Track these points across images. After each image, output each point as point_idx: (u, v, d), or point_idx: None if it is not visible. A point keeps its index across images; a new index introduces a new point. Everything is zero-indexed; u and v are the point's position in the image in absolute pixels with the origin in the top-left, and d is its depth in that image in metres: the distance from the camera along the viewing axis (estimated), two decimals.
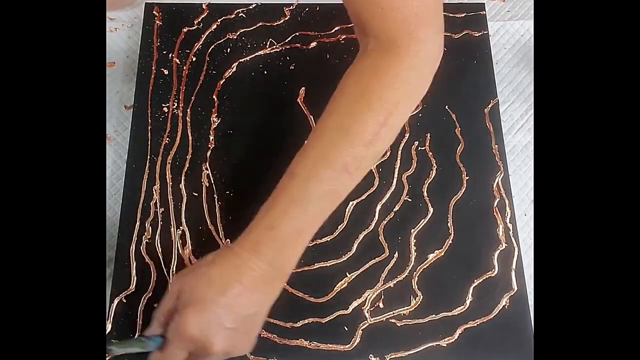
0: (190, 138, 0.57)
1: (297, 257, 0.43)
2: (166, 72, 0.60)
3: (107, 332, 0.49)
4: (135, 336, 0.49)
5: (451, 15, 0.63)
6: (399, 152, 0.56)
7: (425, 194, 0.55)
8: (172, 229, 0.53)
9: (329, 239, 0.53)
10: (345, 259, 0.52)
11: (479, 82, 0.59)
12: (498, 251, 0.53)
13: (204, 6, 0.63)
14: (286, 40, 0.61)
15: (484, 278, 0.52)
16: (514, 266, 0.52)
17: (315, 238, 0.53)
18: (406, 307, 0.51)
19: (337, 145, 0.42)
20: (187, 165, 0.56)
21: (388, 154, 0.56)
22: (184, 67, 0.60)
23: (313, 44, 0.61)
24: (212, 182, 0.55)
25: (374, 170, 0.55)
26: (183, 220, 0.53)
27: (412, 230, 0.53)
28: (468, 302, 0.51)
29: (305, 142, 0.45)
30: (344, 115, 0.43)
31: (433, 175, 0.56)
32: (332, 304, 0.51)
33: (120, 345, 0.43)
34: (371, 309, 0.50)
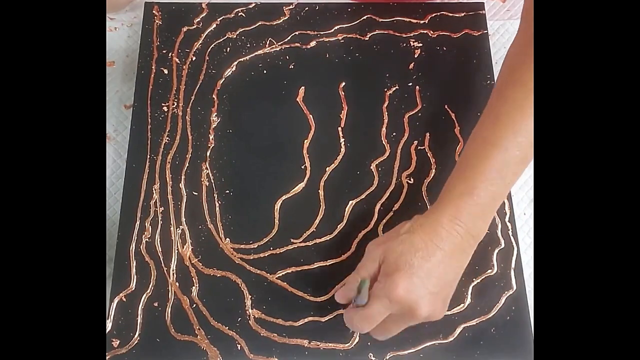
0: (190, 137, 0.57)
1: (488, 224, 0.44)
2: (166, 71, 0.60)
3: (107, 331, 0.49)
4: None
5: (451, 14, 0.63)
6: (399, 151, 0.56)
7: (424, 193, 0.55)
8: (172, 228, 0.53)
9: (328, 239, 0.53)
10: (345, 258, 0.52)
11: (478, 81, 0.59)
12: (497, 250, 0.53)
13: (203, 5, 0.63)
14: (286, 40, 0.61)
15: (483, 277, 0.52)
16: (513, 265, 0.52)
17: (315, 237, 0.53)
18: None
19: (525, 112, 0.43)
20: (187, 165, 0.56)
21: (388, 153, 0.56)
22: (184, 67, 0.60)
23: (313, 44, 0.61)
24: (212, 181, 0.55)
25: (373, 170, 0.55)
26: (183, 219, 0.54)
27: None
28: (467, 301, 0.51)
29: (488, 105, 0.46)
30: (529, 81, 0.43)
31: (433, 174, 0.56)
32: (332, 303, 0.51)
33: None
34: None
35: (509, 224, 0.54)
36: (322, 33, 0.62)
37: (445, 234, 0.42)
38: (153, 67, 0.60)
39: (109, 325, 0.50)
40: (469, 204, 0.42)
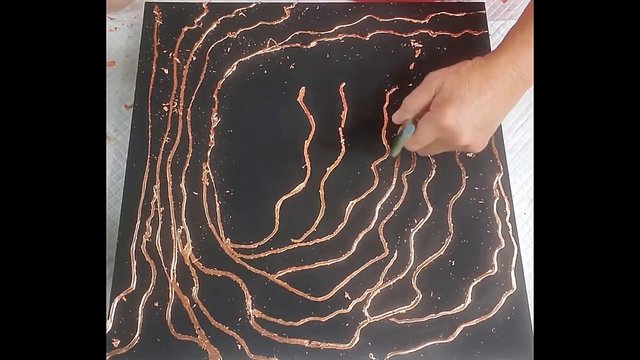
0: (190, 137, 0.57)
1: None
2: (166, 71, 0.60)
3: (107, 331, 0.49)
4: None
5: (451, 14, 0.63)
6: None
7: (424, 193, 0.55)
8: (173, 228, 0.53)
9: (329, 238, 0.53)
10: (345, 258, 0.52)
11: None
12: (498, 250, 0.53)
13: (204, 5, 0.63)
14: (286, 40, 0.61)
15: (484, 277, 0.52)
16: (513, 265, 0.52)
17: (315, 237, 0.53)
18: (406, 306, 0.51)
19: None
20: (188, 165, 0.56)
21: (388, 153, 0.56)
22: (184, 67, 0.60)
23: (313, 44, 0.61)
24: (212, 181, 0.55)
25: (373, 170, 0.55)
26: (183, 219, 0.54)
27: (412, 229, 0.53)
28: (468, 301, 0.51)
29: None
30: None
31: (433, 174, 0.56)
32: (332, 303, 0.51)
33: (396, 148, 0.51)
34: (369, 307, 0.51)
35: (509, 224, 0.54)
36: (322, 33, 0.62)
37: (500, 75, 0.46)
38: (153, 67, 0.60)
39: (109, 325, 0.50)
40: (525, 52, 0.46)
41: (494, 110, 0.47)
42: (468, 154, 0.56)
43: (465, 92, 0.45)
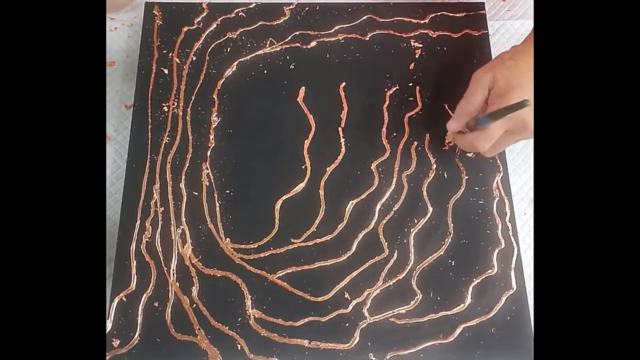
0: (190, 137, 0.57)
1: None
2: (166, 71, 0.60)
3: (107, 331, 0.49)
4: None
5: (451, 14, 0.63)
6: (399, 151, 0.56)
7: (424, 193, 0.55)
8: (172, 228, 0.53)
9: (329, 238, 0.53)
10: (345, 258, 0.52)
11: None
12: (497, 250, 0.53)
13: (204, 5, 0.63)
14: (286, 40, 0.61)
15: (484, 277, 0.52)
16: (513, 265, 0.52)
17: (315, 237, 0.53)
18: (406, 306, 0.51)
19: None
20: (187, 165, 0.56)
21: (388, 153, 0.56)
22: (184, 67, 0.60)
23: (313, 44, 0.61)
24: (212, 181, 0.55)
25: (373, 170, 0.55)
26: (183, 219, 0.54)
27: (412, 229, 0.53)
28: (467, 301, 0.51)
29: None
30: None
31: (432, 174, 0.56)
32: (332, 303, 0.51)
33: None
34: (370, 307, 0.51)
35: (509, 224, 0.54)
36: (322, 33, 0.62)
37: None
38: (153, 67, 0.60)
39: (109, 325, 0.50)
40: None
41: None
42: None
43: (520, 79, 0.46)
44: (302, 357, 0.49)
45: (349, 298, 0.51)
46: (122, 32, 0.64)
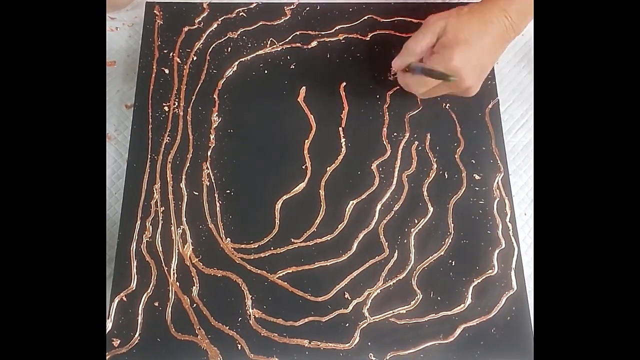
0: (190, 137, 0.57)
1: (528, 23, 0.51)
2: (167, 71, 0.60)
3: (107, 331, 0.49)
4: None
5: None
6: (399, 151, 0.56)
7: (425, 193, 0.55)
8: (173, 227, 0.53)
9: (329, 238, 0.53)
10: (345, 258, 0.52)
11: None
12: (498, 250, 0.53)
13: (204, 5, 0.63)
14: (287, 40, 0.62)
15: (484, 277, 0.52)
16: (513, 265, 0.52)
17: (315, 237, 0.53)
18: (406, 306, 0.51)
19: None
20: (188, 164, 0.56)
21: (388, 153, 0.56)
22: (185, 66, 0.60)
23: (314, 44, 0.61)
24: (213, 181, 0.55)
25: (374, 170, 0.55)
26: (183, 219, 0.54)
27: (412, 229, 0.53)
28: (468, 301, 0.51)
29: None
30: None
31: (433, 174, 0.56)
32: (332, 303, 0.51)
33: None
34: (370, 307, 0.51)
35: (509, 225, 0.54)
36: (323, 33, 0.62)
37: (495, 21, 0.48)
38: (154, 67, 0.60)
39: (109, 325, 0.50)
40: (517, 1, 0.49)
41: (490, 54, 0.50)
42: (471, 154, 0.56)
43: (469, 35, 0.48)
44: (302, 357, 0.49)
45: (349, 298, 0.51)
46: (122, 31, 0.64)
